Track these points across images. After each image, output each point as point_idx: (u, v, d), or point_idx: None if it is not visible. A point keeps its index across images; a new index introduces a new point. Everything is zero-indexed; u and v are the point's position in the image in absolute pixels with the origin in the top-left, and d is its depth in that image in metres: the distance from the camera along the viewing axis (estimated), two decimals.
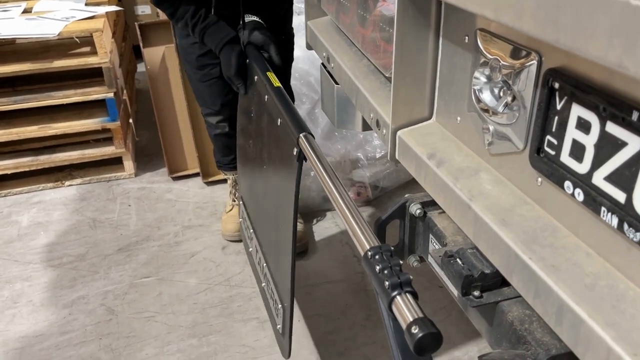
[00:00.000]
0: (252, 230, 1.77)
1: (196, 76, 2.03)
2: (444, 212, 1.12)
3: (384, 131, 0.99)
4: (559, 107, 0.62)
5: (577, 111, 0.59)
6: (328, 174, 0.99)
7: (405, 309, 0.68)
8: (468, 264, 0.89)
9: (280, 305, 1.44)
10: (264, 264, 1.59)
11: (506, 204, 0.72)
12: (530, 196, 0.71)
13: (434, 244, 1.08)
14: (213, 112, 2.09)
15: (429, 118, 0.95)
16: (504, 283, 0.91)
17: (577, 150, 0.60)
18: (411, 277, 0.72)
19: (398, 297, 0.70)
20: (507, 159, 0.75)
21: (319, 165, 1.00)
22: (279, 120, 1.26)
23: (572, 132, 0.61)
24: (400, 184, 2.48)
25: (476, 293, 0.88)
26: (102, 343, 1.83)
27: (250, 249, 1.81)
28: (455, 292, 0.99)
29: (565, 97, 0.61)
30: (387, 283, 0.71)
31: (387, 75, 1.03)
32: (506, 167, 0.75)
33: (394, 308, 0.71)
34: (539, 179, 0.68)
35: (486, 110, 0.77)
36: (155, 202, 2.57)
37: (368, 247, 0.79)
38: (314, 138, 1.08)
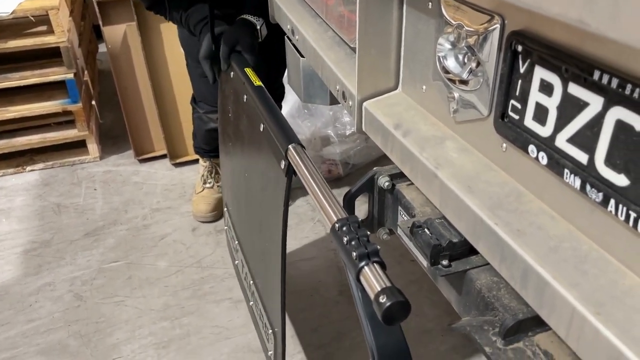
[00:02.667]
0: (237, 242, 1.63)
1: (197, 71, 1.93)
2: (412, 183, 1.12)
3: (350, 103, 0.98)
4: (522, 70, 0.62)
5: (540, 74, 0.59)
6: (315, 181, 0.90)
7: (373, 279, 0.68)
8: (436, 233, 0.89)
9: (270, 331, 1.31)
10: (251, 281, 1.46)
11: (472, 171, 0.71)
12: (496, 162, 0.70)
13: (403, 215, 1.08)
14: (216, 109, 1.98)
15: (395, 88, 0.94)
16: (472, 251, 0.91)
17: (540, 114, 0.59)
18: (379, 247, 0.71)
19: (366, 267, 0.70)
20: (473, 126, 0.74)
21: (310, 179, 0.91)
22: (262, 125, 1.14)
23: (535, 96, 0.60)
24: (371, 160, 2.48)
25: (444, 262, 0.88)
26: (70, 330, 1.79)
27: (237, 262, 1.68)
28: (424, 262, 0.99)
29: (528, 60, 0.60)
30: (354, 254, 0.70)
31: (352, 46, 1.01)
32: (471, 135, 0.75)
33: (361, 278, 0.70)
34: (504, 145, 0.68)
35: (451, 78, 0.76)
36: (122, 185, 2.52)
37: (335, 219, 0.78)
38: (304, 148, 0.98)
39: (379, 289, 0.66)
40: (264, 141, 1.13)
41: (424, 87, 0.85)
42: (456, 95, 0.75)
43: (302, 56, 1.26)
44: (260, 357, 1.67)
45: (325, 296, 1.89)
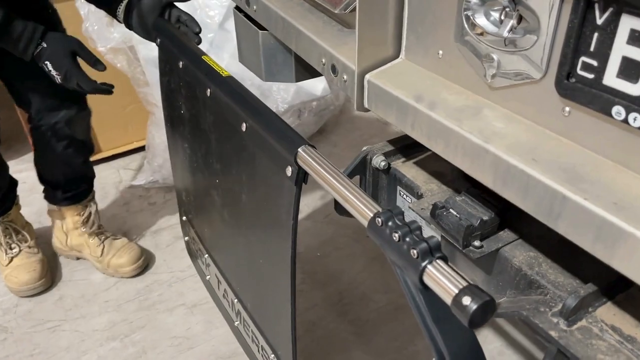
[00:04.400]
0: (207, 256, 1.41)
1: None
2: (407, 160, 1.03)
3: (345, 77, 0.86)
4: (599, 21, 0.54)
5: (629, 23, 0.51)
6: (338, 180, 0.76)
7: (444, 279, 0.58)
8: (463, 213, 0.81)
9: (272, 355, 1.15)
10: (234, 300, 1.28)
11: (528, 141, 0.63)
12: (554, 129, 0.63)
13: (404, 196, 0.99)
14: None
15: (396, 57, 0.84)
16: (500, 227, 0.85)
17: (630, 69, 0.52)
18: (439, 238, 0.62)
19: (430, 266, 0.60)
20: (517, 91, 0.66)
21: (332, 180, 0.75)
22: (244, 125, 0.95)
23: (621, 49, 0.53)
24: (305, 137, 2.37)
25: (477, 243, 0.81)
26: None
27: (208, 277, 1.47)
28: None
29: (611, 9, 0.53)
30: (414, 252, 0.60)
31: (336, 12, 0.89)
32: (515, 101, 0.67)
33: (427, 280, 0.60)
34: (567, 109, 0.60)
35: (486, 39, 0.67)
36: (29, 193, 2.20)
37: (372, 214, 0.67)
38: (315, 147, 0.81)
39: (457, 290, 0.56)
40: (250, 143, 0.96)
41: (441, 52, 0.76)
42: (495, 57, 0.66)
43: (261, 29, 1.11)
44: None
45: None
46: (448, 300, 0.57)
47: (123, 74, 2.11)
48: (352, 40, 0.89)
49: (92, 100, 2.27)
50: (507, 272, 0.81)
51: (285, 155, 0.83)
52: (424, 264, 0.60)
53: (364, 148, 1.01)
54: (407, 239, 0.62)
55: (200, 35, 1.21)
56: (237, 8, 1.17)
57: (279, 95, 2.24)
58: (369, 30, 0.79)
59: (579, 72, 0.57)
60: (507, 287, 0.82)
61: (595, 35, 0.55)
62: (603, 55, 0.55)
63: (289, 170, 0.82)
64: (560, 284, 0.75)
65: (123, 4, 1.26)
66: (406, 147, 1.02)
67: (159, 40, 1.21)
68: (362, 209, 0.69)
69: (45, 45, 1.19)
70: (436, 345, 0.63)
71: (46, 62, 1.20)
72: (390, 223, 0.64)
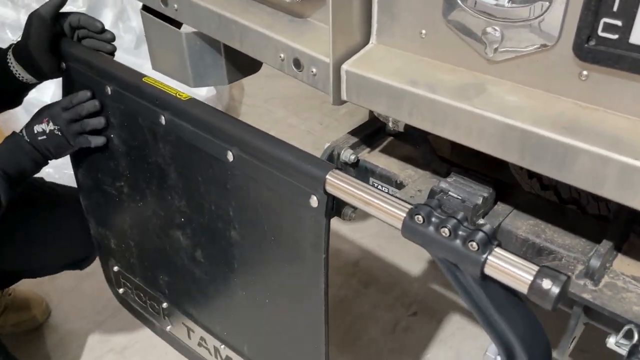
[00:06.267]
0: (166, 305, 1.21)
1: None
2: (372, 150, 0.99)
3: (314, 70, 0.78)
4: None
5: None
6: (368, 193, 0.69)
7: (511, 267, 0.55)
8: (462, 194, 0.79)
9: None
10: (220, 346, 1.12)
11: (549, 110, 0.62)
12: (571, 95, 0.62)
13: (379, 187, 0.95)
14: None
15: (366, 43, 0.78)
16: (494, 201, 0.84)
17: None
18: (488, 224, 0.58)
19: (491, 256, 0.56)
20: (523, 61, 0.64)
21: (364, 195, 0.68)
22: (230, 153, 0.81)
23: None
24: None
25: (481, 221, 0.80)
26: None
27: (169, 327, 1.25)
28: None
29: None
30: (472, 244, 0.56)
31: (288, 0, 0.81)
32: (521, 72, 0.65)
33: (489, 271, 0.57)
34: (584, 73, 0.60)
35: (479, 9, 0.64)
36: None
37: (407, 210, 0.62)
38: (341, 169, 0.72)
39: (531, 276, 0.54)
40: (240, 174, 0.82)
41: (424, 31, 0.72)
42: (497, 30, 0.64)
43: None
44: None
45: None
46: (523, 289, 0.54)
47: None
48: (309, 30, 0.83)
49: None
50: (512, 244, 0.80)
51: (308, 185, 0.72)
52: (485, 255, 0.56)
53: (328, 144, 0.95)
54: (460, 232, 0.57)
55: (107, 34, 1.02)
56: (146, 8, 1.02)
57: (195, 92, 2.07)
58: (340, 17, 0.72)
59: (600, 33, 0.57)
60: None
61: None
62: (629, 13, 0.54)
63: (314, 201, 0.72)
64: (570, 246, 0.76)
65: (12, 61, 1.03)
66: (367, 136, 0.98)
67: (64, 65, 1.00)
68: (393, 210, 0.63)
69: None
70: (500, 336, 0.60)
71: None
72: (433, 218, 0.59)
